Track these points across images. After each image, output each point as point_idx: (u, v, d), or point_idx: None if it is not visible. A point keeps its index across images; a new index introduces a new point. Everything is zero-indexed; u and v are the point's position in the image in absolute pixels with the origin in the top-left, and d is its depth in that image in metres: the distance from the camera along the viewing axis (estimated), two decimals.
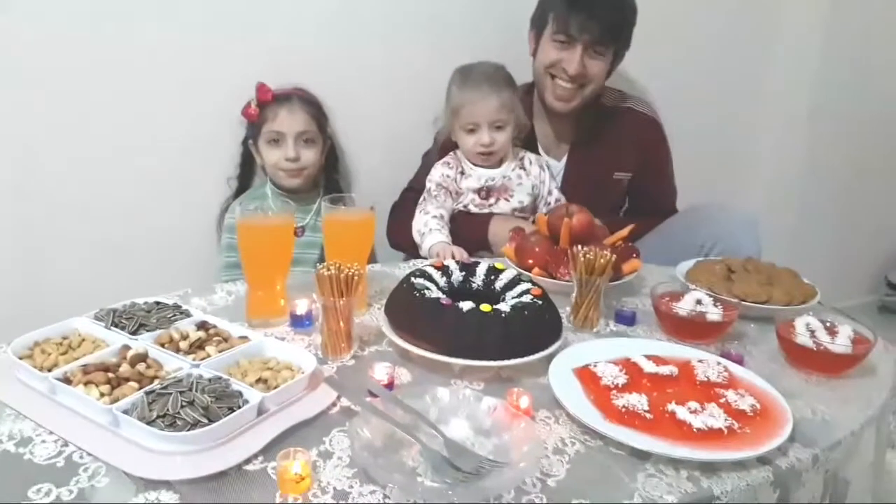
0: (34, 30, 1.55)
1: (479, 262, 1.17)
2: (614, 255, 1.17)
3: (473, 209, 1.68)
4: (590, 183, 1.81)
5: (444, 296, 1.05)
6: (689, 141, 2.04)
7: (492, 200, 1.68)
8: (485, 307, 1.00)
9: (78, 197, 1.69)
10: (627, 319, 1.22)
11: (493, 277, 1.15)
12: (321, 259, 1.76)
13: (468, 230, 1.65)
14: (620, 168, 1.85)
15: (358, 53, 1.85)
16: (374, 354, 1.06)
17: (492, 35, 1.91)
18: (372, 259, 1.80)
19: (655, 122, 1.88)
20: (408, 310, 1.04)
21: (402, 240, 1.74)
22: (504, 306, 1.01)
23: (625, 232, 1.40)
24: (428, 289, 1.06)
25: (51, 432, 0.82)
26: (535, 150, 1.81)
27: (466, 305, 1.00)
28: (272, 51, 1.75)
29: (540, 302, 1.04)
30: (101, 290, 1.36)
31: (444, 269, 1.15)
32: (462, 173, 1.69)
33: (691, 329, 1.16)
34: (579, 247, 1.18)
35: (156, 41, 1.65)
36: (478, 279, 1.15)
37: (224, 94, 1.71)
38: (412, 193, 1.77)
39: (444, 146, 1.76)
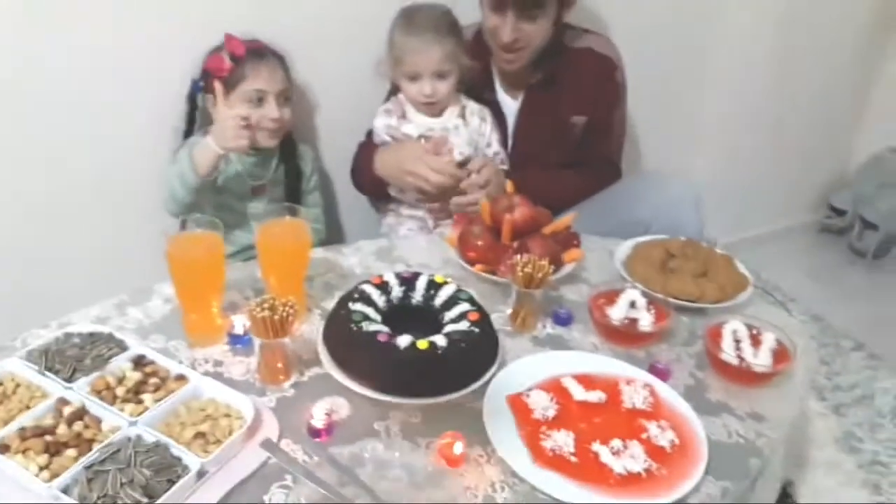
0: None
1: (419, 275, 1.17)
2: (552, 267, 1.19)
3: None
4: (544, 125, 1.77)
5: (382, 325, 1.06)
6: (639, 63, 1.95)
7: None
8: (421, 344, 1.01)
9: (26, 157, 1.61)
10: (564, 321, 1.26)
11: (432, 292, 1.15)
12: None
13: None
14: (577, 111, 1.77)
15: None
16: (314, 381, 1.08)
17: None
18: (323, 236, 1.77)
19: (611, 62, 1.77)
20: (345, 343, 1.04)
21: (364, 181, 1.76)
22: (440, 339, 1.02)
23: (567, 220, 1.40)
24: (366, 317, 1.06)
25: None
26: (492, 88, 1.77)
27: (403, 341, 1.01)
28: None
29: (477, 329, 1.06)
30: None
31: (384, 286, 1.15)
32: (403, 117, 1.66)
33: (624, 337, 1.20)
34: (518, 257, 1.19)
35: None
36: (417, 294, 1.15)
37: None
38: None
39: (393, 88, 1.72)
